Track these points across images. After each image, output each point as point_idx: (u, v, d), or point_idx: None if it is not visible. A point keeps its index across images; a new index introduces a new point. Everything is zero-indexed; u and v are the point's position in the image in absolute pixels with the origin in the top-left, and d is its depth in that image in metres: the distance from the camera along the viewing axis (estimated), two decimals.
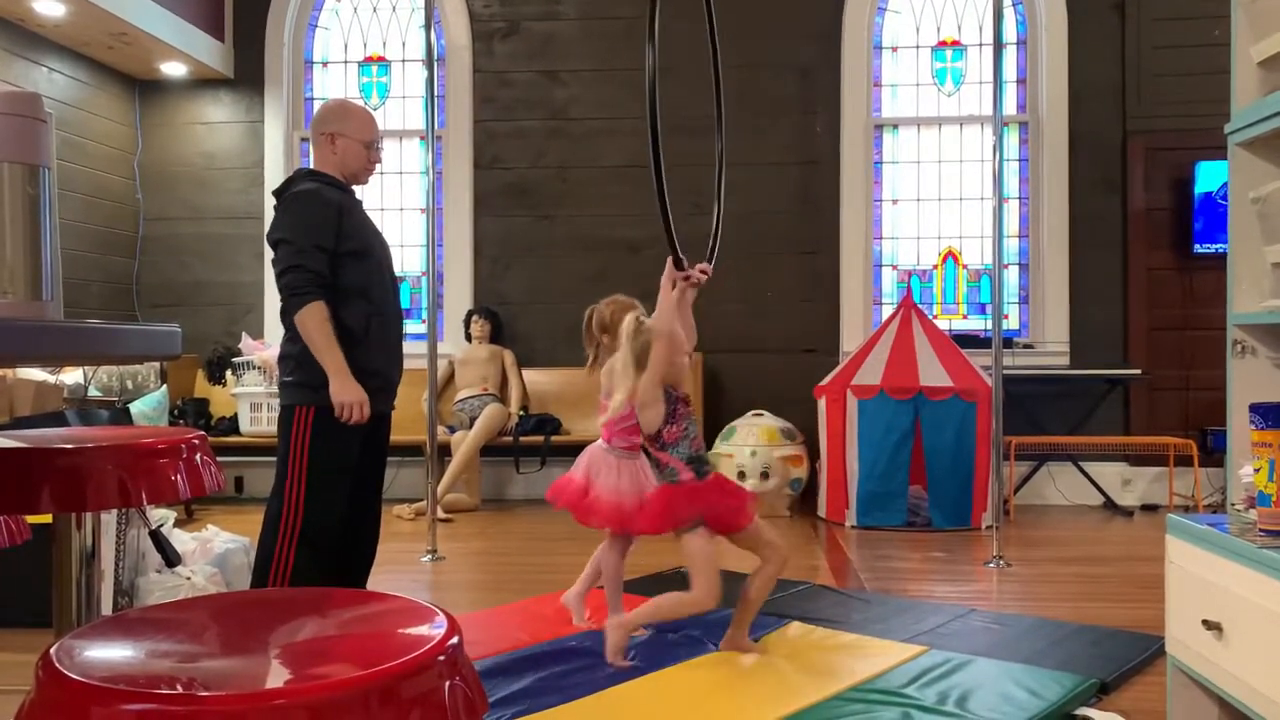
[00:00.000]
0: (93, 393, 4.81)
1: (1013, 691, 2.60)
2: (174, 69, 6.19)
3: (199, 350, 6.04)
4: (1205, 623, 2.01)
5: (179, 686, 0.91)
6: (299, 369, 2.87)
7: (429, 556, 4.42)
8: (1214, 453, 5.61)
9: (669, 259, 2.88)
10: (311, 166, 3.04)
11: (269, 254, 2.93)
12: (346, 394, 2.82)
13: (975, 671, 2.76)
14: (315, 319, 2.80)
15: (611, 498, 3.06)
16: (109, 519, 3.15)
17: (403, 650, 0.97)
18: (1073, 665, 2.82)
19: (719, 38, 3.38)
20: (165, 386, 5.45)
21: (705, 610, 2.84)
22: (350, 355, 2.84)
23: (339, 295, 2.86)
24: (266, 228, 3.02)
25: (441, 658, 0.98)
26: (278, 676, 0.98)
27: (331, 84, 6.54)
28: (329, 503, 2.87)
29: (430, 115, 4.65)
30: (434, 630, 1.04)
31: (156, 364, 5.42)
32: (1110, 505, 5.76)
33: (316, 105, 6.44)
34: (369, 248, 2.95)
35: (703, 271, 3.06)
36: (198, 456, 1.79)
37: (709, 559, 2.80)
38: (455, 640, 1.02)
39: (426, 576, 4.20)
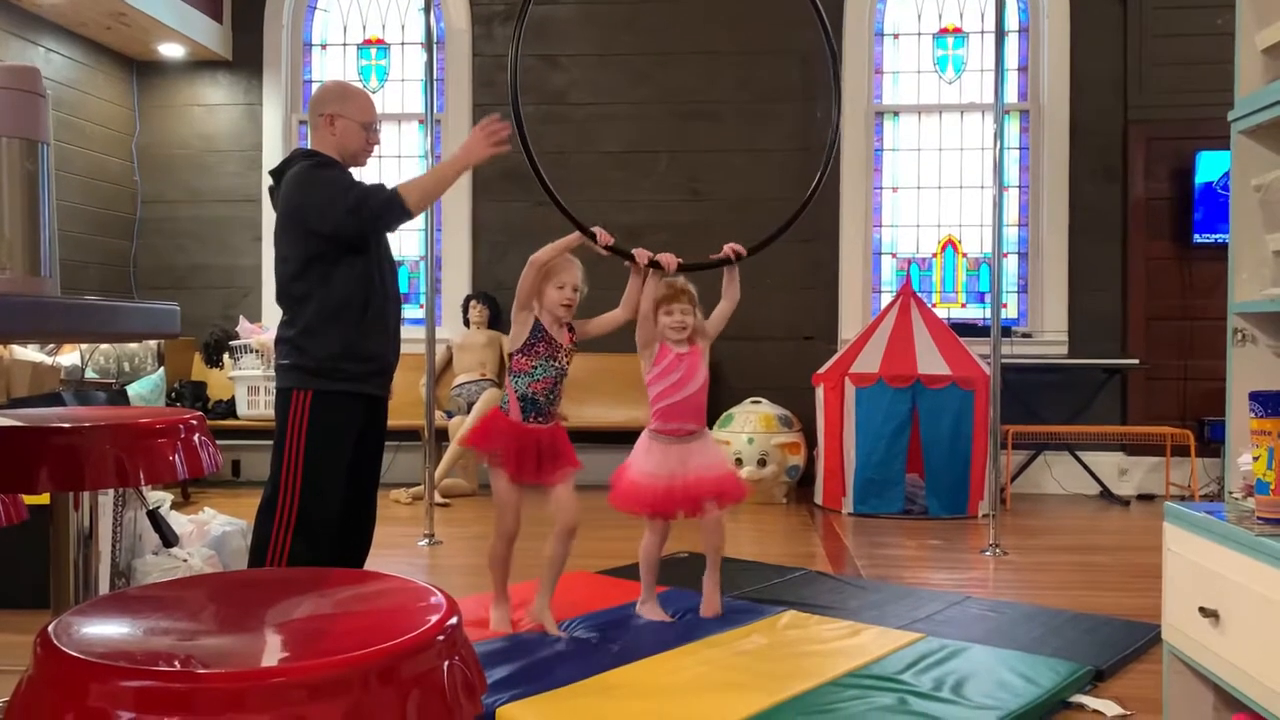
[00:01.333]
0: (90, 374, 4.80)
1: (1008, 678, 2.60)
2: (172, 50, 6.16)
3: (196, 333, 6.02)
4: (1202, 610, 2.01)
5: (177, 664, 0.90)
6: (296, 352, 2.83)
7: (426, 541, 4.42)
8: (1211, 443, 5.62)
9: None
10: (309, 148, 3.02)
11: (267, 237, 2.90)
12: (474, 149, 2.83)
13: (971, 658, 2.77)
14: (413, 191, 2.78)
15: (632, 478, 3.08)
16: (106, 500, 3.14)
17: (402, 630, 0.97)
18: (1068, 653, 2.83)
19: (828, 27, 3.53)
20: (162, 369, 5.44)
21: (510, 539, 3.02)
22: (347, 338, 2.82)
23: (336, 278, 2.83)
24: (264, 211, 2.99)
25: (440, 638, 0.98)
26: (276, 654, 0.98)
27: (330, 67, 6.51)
28: (326, 488, 2.84)
29: (429, 99, 4.63)
30: (433, 610, 1.04)
31: (154, 346, 5.41)
32: (1107, 495, 5.77)
33: (315, 88, 6.41)
34: None
35: (734, 252, 3.19)
36: (196, 437, 1.79)
37: (501, 499, 2.97)
38: (454, 620, 1.02)
39: (423, 560, 4.20)
